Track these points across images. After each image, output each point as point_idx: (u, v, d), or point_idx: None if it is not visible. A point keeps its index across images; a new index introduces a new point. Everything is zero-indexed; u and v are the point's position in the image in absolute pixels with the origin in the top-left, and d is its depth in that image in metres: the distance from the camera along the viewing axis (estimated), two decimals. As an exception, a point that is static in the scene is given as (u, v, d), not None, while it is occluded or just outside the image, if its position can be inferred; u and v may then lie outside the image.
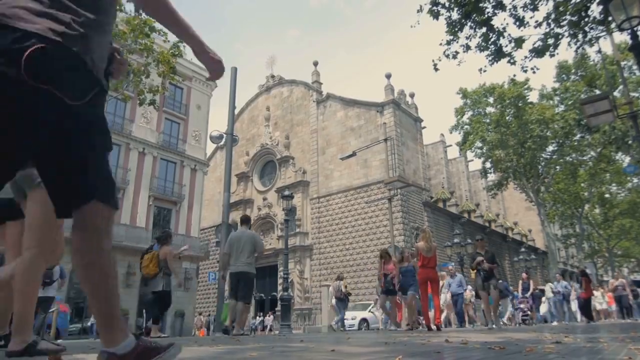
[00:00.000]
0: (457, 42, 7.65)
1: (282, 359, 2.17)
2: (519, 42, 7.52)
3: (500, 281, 11.29)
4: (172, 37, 12.73)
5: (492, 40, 7.48)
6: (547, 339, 3.52)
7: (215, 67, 1.47)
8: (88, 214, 1.18)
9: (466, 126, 23.61)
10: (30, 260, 2.05)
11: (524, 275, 14.60)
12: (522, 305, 13.62)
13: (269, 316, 25.41)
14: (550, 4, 7.37)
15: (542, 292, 14.66)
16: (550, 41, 7.49)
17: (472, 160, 41.76)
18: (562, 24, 7.44)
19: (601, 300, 15.72)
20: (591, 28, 7.39)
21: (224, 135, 10.29)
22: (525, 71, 7.92)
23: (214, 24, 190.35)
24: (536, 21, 7.59)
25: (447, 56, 7.84)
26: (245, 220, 6.73)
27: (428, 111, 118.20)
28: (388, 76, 30.65)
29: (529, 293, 13.55)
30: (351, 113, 31.35)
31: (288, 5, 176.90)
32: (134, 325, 21.45)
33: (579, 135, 21.81)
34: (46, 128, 1.08)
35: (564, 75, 22.78)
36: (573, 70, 22.30)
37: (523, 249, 34.69)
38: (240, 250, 6.15)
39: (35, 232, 2.06)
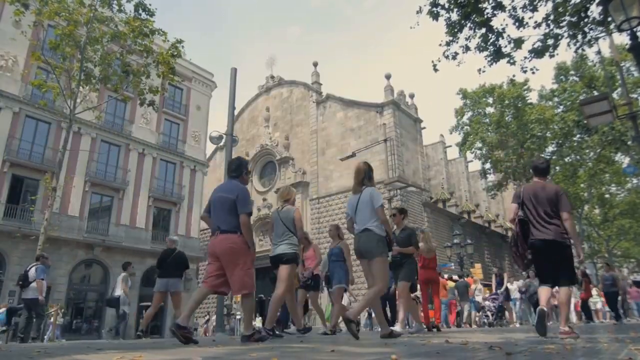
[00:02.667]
0: (457, 43, 7.66)
1: (282, 359, 2.17)
2: (518, 42, 7.53)
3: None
4: (172, 38, 12.76)
5: (491, 41, 7.49)
6: (547, 339, 3.52)
7: None
8: None
9: (466, 127, 23.64)
10: None
11: (495, 269, 13.69)
12: (487, 303, 12.04)
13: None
14: (550, 4, 7.38)
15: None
16: (550, 42, 7.50)
17: (471, 161, 41.73)
18: (561, 24, 7.45)
19: (596, 299, 15.07)
20: (591, 29, 7.41)
21: (224, 136, 10.29)
22: (525, 72, 7.93)
23: (214, 24, 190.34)
24: (535, 22, 7.60)
25: (447, 57, 7.85)
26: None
27: (428, 112, 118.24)
28: (388, 77, 30.68)
29: (502, 289, 12.08)
30: (351, 114, 31.36)
31: (288, 5, 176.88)
32: (133, 326, 21.43)
33: (578, 136, 21.85)
34: None
35: (562, 77, 22.83)
36: (571, 72, 22.34)
37: (523, 250, 34.71)
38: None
39: None
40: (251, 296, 3.73)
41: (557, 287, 3.85)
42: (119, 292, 8.72)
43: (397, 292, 6.04)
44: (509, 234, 40.54)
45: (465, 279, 14.05)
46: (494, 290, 12.59)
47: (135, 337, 7.43)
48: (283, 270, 4.44)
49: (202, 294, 3.75)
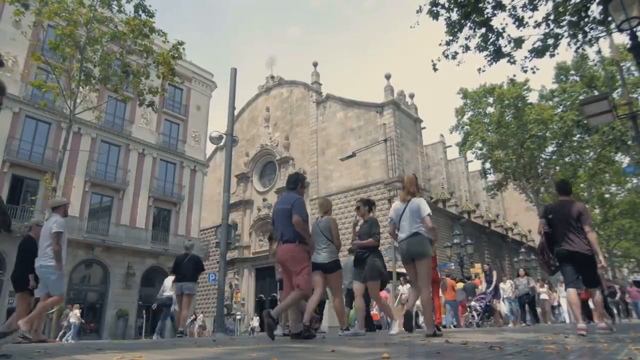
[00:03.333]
0: (457, 42, 7.65)
1: (282, 359, 2.16)
2: (518, 42, 7.53)
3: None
4: (172, 39, 12.76)
5: (491, 40, 7.49)
6: (547, 339, 3.52)
7: None
8: None
9: (466, 126, 23.63)
10: None
11: (485, 266, 12.34)
12: (473, 303, 11.53)
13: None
14: (550, 4, 7.38)
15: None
16: (550, 41, 7.49)
17: (471, 161, 41.73)
18: (561, 24, 7.44)
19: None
20: (591, 28, 7.40)
21: (224, 136, 10.28)
22: (525, 71, 7.93)
23: (214, 24, 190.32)
24: (535, 21, 7.60)
25: (447, 57, 7.85)
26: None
27: (428, 112, 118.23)
28: (388, 77, 30.68)
29: (491, 287, 11.47)
30: (351, 114, 31.36)
31: (288, 5, 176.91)
32: (133, 326, 21.44)
33: (578, 136, 21.84)
34: None
35: (562, 77, 22.81)
36: (572, 72, 22.33)
37: (523, 250, 34.67)
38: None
39: None
40: (306, 297, 4.12)
41: (568, 290, 4.48)
42: (169, 292, 9.06)
43: (355, 290, 5.33)
44: (509, 233, 40.56)
45: (474, 280, 14.03)
46: (482, 287, 11.88)
47: (176, 336, 7.74)
48: (332, 280, 4.93)
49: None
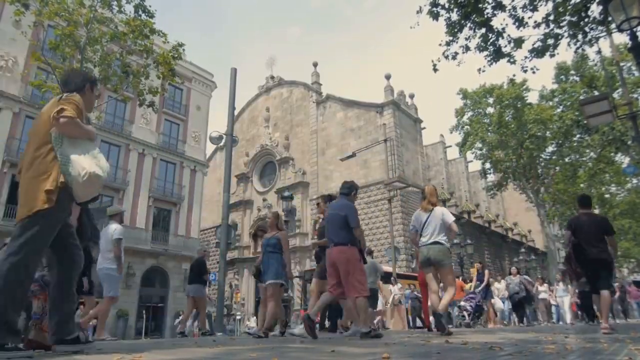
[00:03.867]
0: (457, 43, 7.65)
1: (282, 359, 2.16)
2: (518, 42, 7.53)
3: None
4: (172, 39, 12.75)
5: (491, 40, 7.49)
6: (547, 339, 3.52)
7: None
8: None
9: (466, 127, 23.64)
10: None
11: (477, 264, 11.87)
12: (463, 303, 11.09)
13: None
14: (550, 4, 7.37)
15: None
16: (550, 41, 7.49)
17: (471, 161, 41.76)
18: (561, 24, 7.44)
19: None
20: (591, 28, 7.40)
21: (224, 136, 10.28)
22: (526, 71, 7.93)
23: (214, 25, 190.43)
24: (535, 21, 7.59)
25: (447, 57, 7.85)
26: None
27: (428, 112, 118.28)
28: (388, 77, 30.68)
29: (481, 287, 11.00)
30: (351, 114, 31.36)
31: (289, 6, 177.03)
32: (133, 327, 21.43)
33: (578, 136, 21.85)
34: None
35: (562, 77, 22.82)
36: (572, 72, 22.33)
37: (523, 250, 34.74)
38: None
39: None
40: (365, 298, 4.24)
41: (602, 292, 4.79)
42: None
43: (312, 288, 5.27)
44: (509, 234, 40.56)
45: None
46: (473, 285, 11.33)
47: (201, 335, 7.92)
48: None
49: (328, 299, 4.47)
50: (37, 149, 2.38)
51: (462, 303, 11.07)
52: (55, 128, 2.36)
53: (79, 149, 2.39)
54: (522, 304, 11.64)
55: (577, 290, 11.89)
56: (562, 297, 13.24)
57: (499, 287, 12.22)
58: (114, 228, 6.03)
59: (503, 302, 12.30)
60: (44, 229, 2.36)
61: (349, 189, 4.68)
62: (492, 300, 11.52)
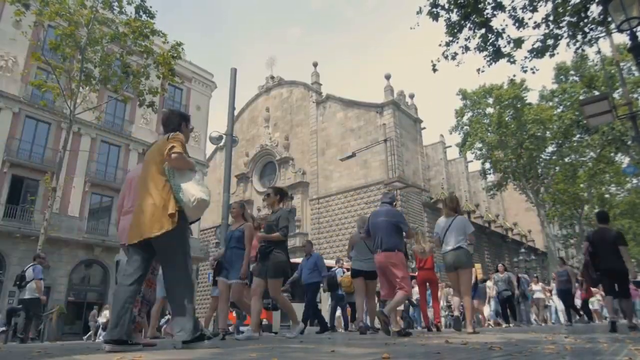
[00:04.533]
0: (457, 43, 7.66)
1: (282, 359, 2.17)
2: (518, 42, 7.54)
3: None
4: (172, 40, 12.77)
5: (491, 41, 7.50)
6: (547, 339, 3.52)
7: None
8: None
9: (466, 127, 23.66)
10: None
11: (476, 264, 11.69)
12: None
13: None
14: (550, 4, 7.38)
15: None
16: (550, 42, 7.50)
17: (471, 161, 41.76)
18: (561, 24, 7.45)
19: (593, 299, 13.69)
20: (590, 29, 7.41)
21: (224, 136, 10.29)
22: (525, 71, 7.94)
23: (214, 25, 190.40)
24: (535, 22, 7.61)
25: (447, 57, 7.86)
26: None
27: (428, 112, 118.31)
28: (387, 77, 30.68)
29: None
30: (351, 114, 31.36)
31: (289, 6, 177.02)
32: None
33: (578, 136, 21.87)
34: None
35: (562, 77, 22.85)
36: (571, 72, 22.36)
37: (523, 250, 34.70)
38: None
39: None
40: (405, 294, 4.70)
41: (607, 297, 5.77)
42: None
43: (254, 288, 4.84)
44: (509, 234, 40.56)
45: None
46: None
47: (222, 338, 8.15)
48: (371, 285, 5.92)
49: (402, 298, 4.78)
50: (153, 179, 2.94)
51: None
52: (168, 163, 2.91)
53: (185, 177, 2.95)
54: (509, 302, 10.97)
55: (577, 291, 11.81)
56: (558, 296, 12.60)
57: (489, 286, 11.87)
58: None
59: (496, 300, 11.62)
60: (183, 240, 2.95)
61: (392, 199, 5.28)
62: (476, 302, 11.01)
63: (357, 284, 6.03)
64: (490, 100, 23.03)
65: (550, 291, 13.35)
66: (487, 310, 12.12)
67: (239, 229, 5.14)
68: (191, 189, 2.87)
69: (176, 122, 3.20)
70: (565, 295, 10.42)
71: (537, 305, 12.96)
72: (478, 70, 8.11)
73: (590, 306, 13.67)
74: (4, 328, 9.52)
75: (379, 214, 4.99)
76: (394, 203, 5.26)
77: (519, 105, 21.79)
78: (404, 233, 4.95)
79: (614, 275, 5.46)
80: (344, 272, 9.41)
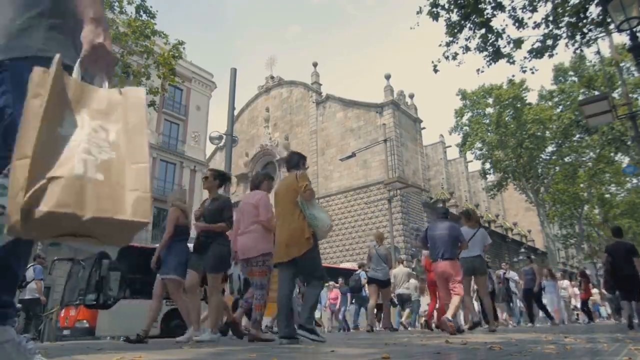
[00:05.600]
0: (457, 43, 7.68)
1: (281, 359, 2.17)
2: (517, 43, 7.56)
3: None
4: (172, 39, 12.76)
5: (490, 41, 7.51)
6: (547, 339, 3.53)
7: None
8: None
9: (465, 127, 23.67)
10: None
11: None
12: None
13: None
14: (549, 5, 7.40)
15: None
16: (549, 42, 7.51)
17: (471, 161, 41.79)
18: (560, 25, 7.46)
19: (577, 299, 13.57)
20: (589, 29, 7.42)
21: (224, 136, 10.29)
22: (525, 71, 7.97)
23: (214, 24, 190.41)
24: (535, 22, 7.62)
25: (447, 57, 7.87)
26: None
27: (428, 112, 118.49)
28: (387, 77, 30.68)
29: None
30: (350, 114, 31.37)
31: (289, 3, 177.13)
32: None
33: (577, 136, 21.88)
34: None
35: (561, 78, 22.88)
36: (570, 73, 22.39)
37: (523, 250, 34.70)
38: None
39: None
40: (461, 298, 5.34)
41: (622, 301, 6.85)
42: None
43: (189, 281, 4.44)
44: (509, 233, 40.55)
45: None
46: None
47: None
48: (385, 292, 7.58)
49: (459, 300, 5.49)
50: (290, 211, 3.76)
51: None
52: (301, 197, 3.73)
53: (315, 207, 3.81)
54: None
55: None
56: (551, 294, 12.20)
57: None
58: None
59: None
60: (318, 255, 3.90)
61: (446, 213, 6.00)
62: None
63: (371, 289, 7.39)
64: (490, 100, 23.04)
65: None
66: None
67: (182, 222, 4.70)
68: (323, 217, 3.75)
69: (297, 160, 4.05)
70: (529, 295, 10.10)
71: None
72: (478, 70, 8.14)
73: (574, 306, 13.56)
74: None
75: (438, 227, 5.60)
76: (449, 216, 6.00)
77: (518, 105, 21.80)
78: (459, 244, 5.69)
79: (629, 281, 6.36)
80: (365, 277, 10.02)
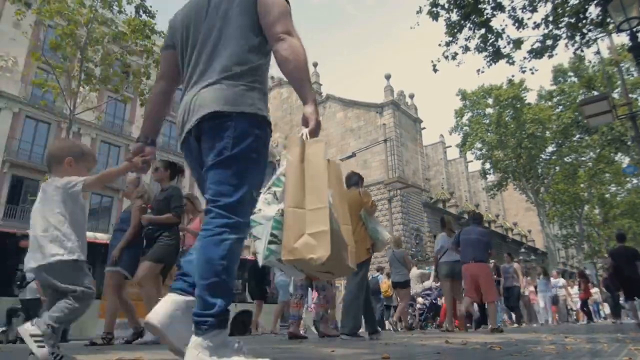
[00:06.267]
0: (456, 43, 7.68)
1: (281, 359, 2.17)
2: (517, 43, 7.56)
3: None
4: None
5: (490, 41, 7.52)
6: (547, 339, 3.53)
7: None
8: None
9: (465, 127, 23.68)
10: None
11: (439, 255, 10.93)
12: (420, 299, 9.59)
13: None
14: (549, 5, 7.40)
15: None
16: (549, 42, 7.52)
17: (471, 161, 41.81)
18: (560, 25, 7.47)
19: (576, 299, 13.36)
20: (589, 30, 7.43)
21: (224, 137, 10.27)
22: (524, 72, 7.97)
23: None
24: (535, 23, 7.63)
25: (447, 57, 7.88)
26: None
27: (428, 112, 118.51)
28: (387, 77, 30.69)
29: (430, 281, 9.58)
30: (351, 114, 31.37)
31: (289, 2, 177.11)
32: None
33: (577, 136, 21.89)
34: None
35: (560, 78, 22.90)
36: (570, 73, 22.41)
37: (523, 250, 34.69)
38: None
39: None
40: (495, 301, 5.95)
41: (629, 301, 7.47)
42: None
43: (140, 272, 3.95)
44: (509, 233, 40.57)
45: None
46: (431, 279, 9.67)
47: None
48: (403, 293, 8.14)
49: (467, 303, 6.00)
50: (353, 222, 3.87)
51: (419, 299, 9.78)
52: (366, 211, 4.27)
53: (376, 221, 4.36)
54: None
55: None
56: (544, 292, 12.05)
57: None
58: None
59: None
60: (368, 269, 4.47)
61: (478, 219, 6.36)
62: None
63: (394, 292, 8.70)
64: (490, 101, 23.05)
65: (536, 287, 12.57)
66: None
67: (127, 210, 4.49)
68: (383, 231, 4.31)
69: (356, 180, 4.66)
70: (510, 293, 9.83)
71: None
72: (478, 70, 8.14)
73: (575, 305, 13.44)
74: (4, 328, 9.52)
75: (471, 232, 6.03)
76: (481, 222, 6.41)
77: (518, 105, 21.81)
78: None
79: (632, 283, 6.91)
80: (382, 280, 10.77)
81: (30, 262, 1.73)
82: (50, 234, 1.75)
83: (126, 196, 4.65)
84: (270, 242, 1.34)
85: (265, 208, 1.39)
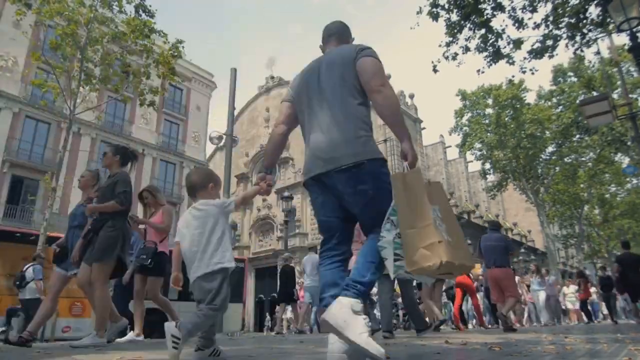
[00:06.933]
0: (457, 43, 7.68)
1: (281, 359, 2.17)
2: (517, 43, 7.56)
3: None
4: (172, 38, 12.76)
5: (490, 41, 7.52)
6: (547, 339, 3.53)
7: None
8: None
9: (465, 127, 23.69)
10: None
11: None
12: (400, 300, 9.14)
13: (268, 317, 25.50)
14: (549, 5, 7.40)
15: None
16: (549, 42, 7.52)
17: (471, 161, 41.78)
18: (560, 25, 7.47)
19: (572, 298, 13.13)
20: (589, 30, 7.43)
21: (224, 136, 10.29)
22: (524, 72, 7.97)
23: (214, 24, 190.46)
24: (535, 23, 7.63)
25: (447, 58, 7.87)
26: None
27: (427, 112, 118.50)
28: (387, 77, 30.70)
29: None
30: (351, 114, 31.38)
31: (290, 3, 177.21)
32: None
33: (577, 137, 21.89)
34: None
35: (560, 78, 22.90)
36: (569, 73, 22.41)
37: (523, 250, 34.71)
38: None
39: None
40: (516, 300, 6.26)
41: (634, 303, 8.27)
42: None
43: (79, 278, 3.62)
44: (509, 234, 40.59)
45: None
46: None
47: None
48: (425, 290, 7.38)
49: (511, 304, 6.10)
50: None
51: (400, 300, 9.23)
52: None
53: None
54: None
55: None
56: (537, 291, 11.79)
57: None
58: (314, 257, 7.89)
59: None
60: None
61: (497, 226, 6.73)
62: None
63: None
64: (490, 101, 23.05)
65: (528, 286, 12.29)
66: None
67: (82, 203, 4.02)
68: None
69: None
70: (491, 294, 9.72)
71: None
72: (478, 71, 8.14)
73: (570, 305, 13.25)
74: (3, 328, 9.51)
75: (490, 239, 6.30)
76: (498, 229, 6.72)
77: (517, 106, 21.81)
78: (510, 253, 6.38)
79: (637, 287, 7.59)
80: None
81: (197, 271, 2.04)
82: (213, 246, 2.11)
83: (82, 188, 4.18)
84: (396, 260, 1.71)
85: (387, 235, 1.74)
